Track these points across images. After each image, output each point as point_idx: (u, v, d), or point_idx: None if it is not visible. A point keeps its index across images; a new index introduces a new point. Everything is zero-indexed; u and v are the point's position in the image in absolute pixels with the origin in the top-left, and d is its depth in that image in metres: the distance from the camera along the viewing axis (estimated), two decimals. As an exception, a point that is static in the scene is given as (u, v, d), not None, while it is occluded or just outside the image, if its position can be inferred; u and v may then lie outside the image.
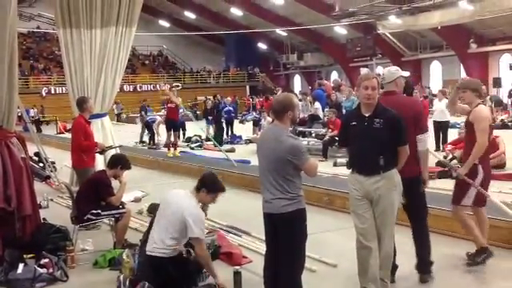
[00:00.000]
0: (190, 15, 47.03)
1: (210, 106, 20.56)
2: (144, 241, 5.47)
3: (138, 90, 43.79)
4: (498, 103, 24.17)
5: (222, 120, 20.11)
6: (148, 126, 20.17)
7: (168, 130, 15.12)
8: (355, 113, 4.83)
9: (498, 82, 28.17)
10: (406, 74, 5.47)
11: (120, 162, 6.73)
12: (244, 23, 42.92)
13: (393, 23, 33.80)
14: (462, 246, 6.06)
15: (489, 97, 27.44)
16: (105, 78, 10.85)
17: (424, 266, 5.32)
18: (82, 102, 8.59)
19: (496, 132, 11.25)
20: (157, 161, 14.37)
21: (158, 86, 38.81)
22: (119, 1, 10.65)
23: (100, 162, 9.48)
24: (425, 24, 32.33)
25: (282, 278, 4.33)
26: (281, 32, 43.10)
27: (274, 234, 4.38)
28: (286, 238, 4.28)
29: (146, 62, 50.69)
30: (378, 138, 4.59)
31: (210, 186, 5.04)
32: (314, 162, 4.43)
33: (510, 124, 19.02)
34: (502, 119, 19.90)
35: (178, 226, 4.84)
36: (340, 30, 39.03)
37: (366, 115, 4.67)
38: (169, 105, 15.14)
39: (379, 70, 35.67)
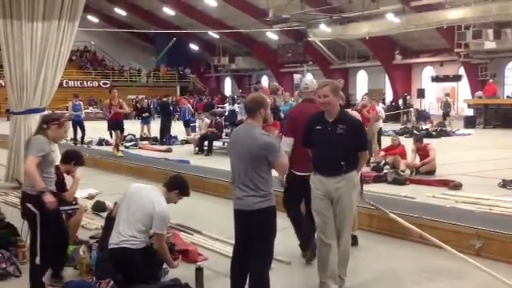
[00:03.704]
0: (120, 12, 46.19)
1: (145, 105, 20.39)
2: (103, 237, 5.47)
3: (64, 85, 42.28)
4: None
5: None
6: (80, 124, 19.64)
7: (114, 130, 15.40)
8: (320, 117, 5.06)
9: (421, 93, 29.97)
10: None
11: (74, 158, 6.62)
12: (176, 23, 42.64)
13: (323, 31, 34.73)
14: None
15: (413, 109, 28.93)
16: (45, 73, 10.58)
17: None
18: None
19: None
20: (93, 159, 14.11)
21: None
22: (62, -6, 10.45)
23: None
24: (353, 34, 33.49)
25: (252, 272, 4.47)
26: (213, 34, 43.13)
27: (244, 230, 4.52)
28: (257, 233, 4.43)
29: (73, 57, 49.22)
30: (341, 142, 4.85)
31: (183, 188, 5.28)
32: (285, 160, 4.61)
33: (433, 133, 20.08)
34: (426, 128, 20.95)
35: (147, 219, 4.93)
36: (272, 35, 39.62)
37: (330, 120, 4.93)
38: (116, 109, 15.19)
39: (309, 76, 36.52)
